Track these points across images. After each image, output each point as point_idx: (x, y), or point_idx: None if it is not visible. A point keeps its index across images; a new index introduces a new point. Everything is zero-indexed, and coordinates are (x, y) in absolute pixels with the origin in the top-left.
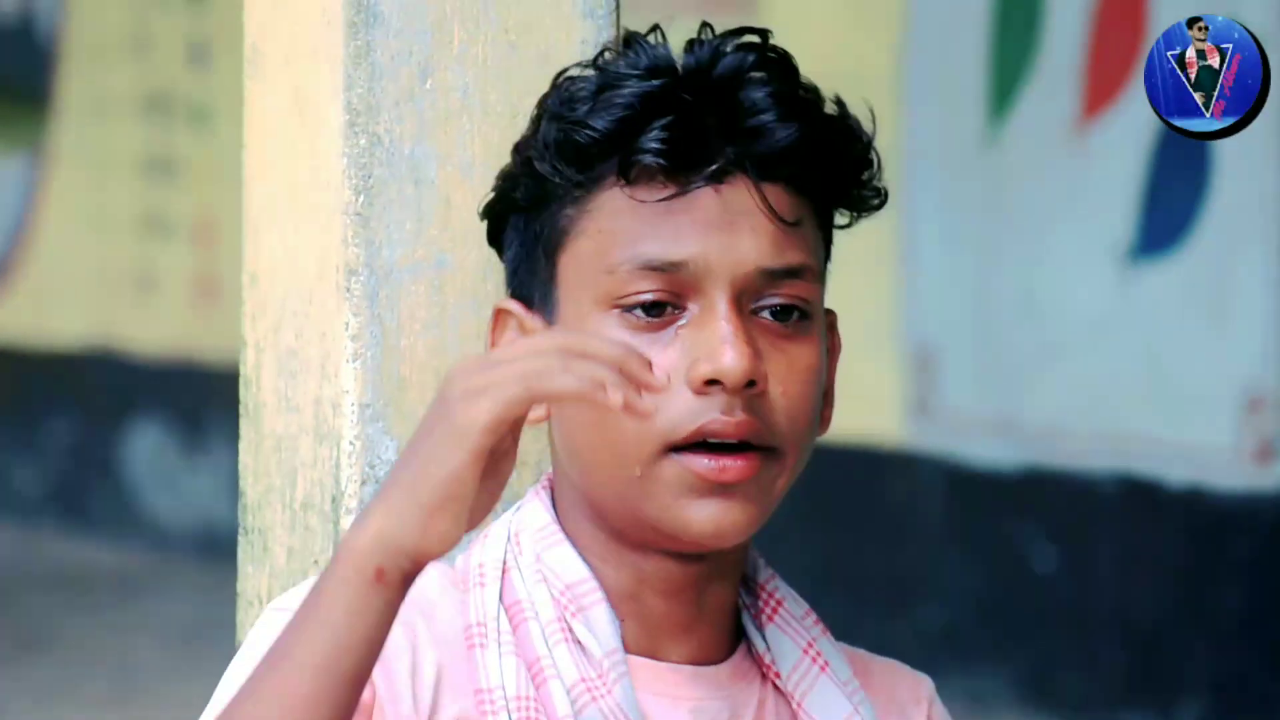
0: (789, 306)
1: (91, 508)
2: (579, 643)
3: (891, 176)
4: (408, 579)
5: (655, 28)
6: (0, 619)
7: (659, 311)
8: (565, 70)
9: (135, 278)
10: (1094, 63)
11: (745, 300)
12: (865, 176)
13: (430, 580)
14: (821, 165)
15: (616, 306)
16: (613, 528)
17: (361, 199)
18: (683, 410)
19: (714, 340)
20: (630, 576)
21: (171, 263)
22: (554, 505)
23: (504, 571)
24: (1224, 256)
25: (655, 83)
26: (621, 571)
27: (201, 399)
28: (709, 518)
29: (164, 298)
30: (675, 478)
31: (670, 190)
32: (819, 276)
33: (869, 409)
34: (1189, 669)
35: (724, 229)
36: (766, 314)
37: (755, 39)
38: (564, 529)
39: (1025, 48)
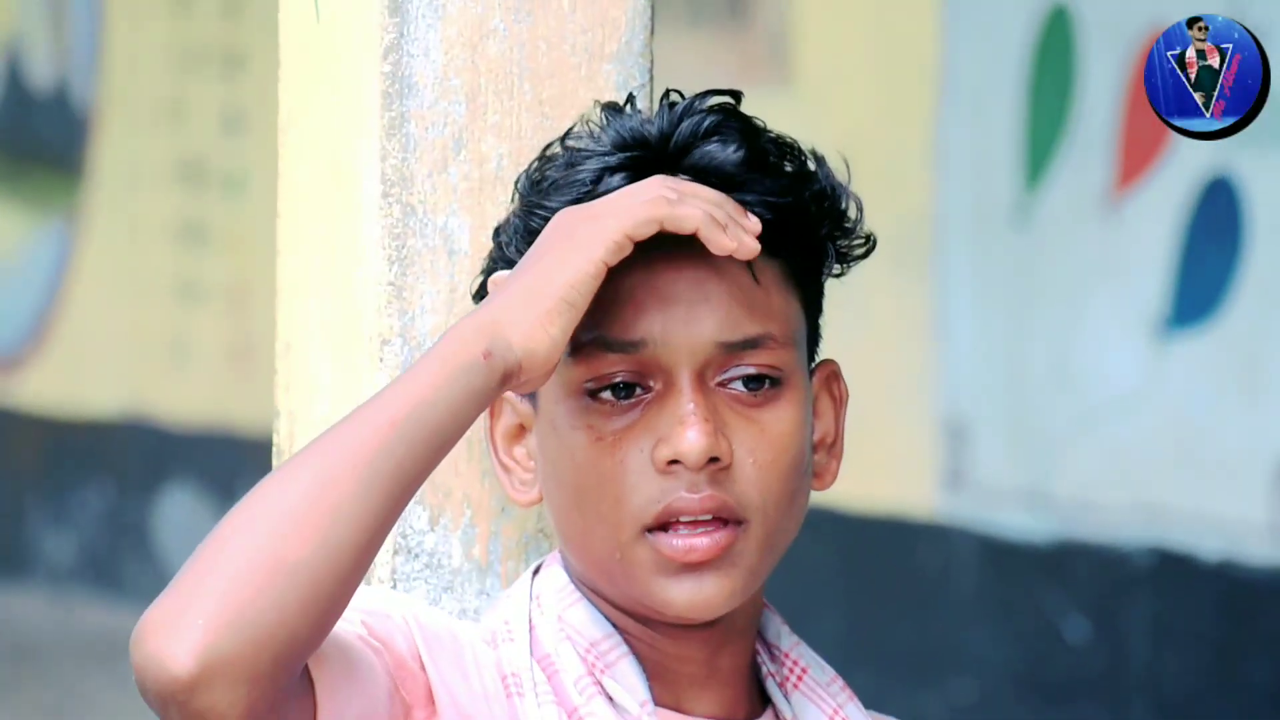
0: (759, 375)
1: (124, 575)
2: (610, 698)
3: (923, 246)
4: (508, 378)
5: (630, 98)
6: (32, 687)
7: (628, 393)
8: (546, 147)
9: (169, 345)
10: (1128, 132)
11: (710, 373)
12: (842, 226)
13: (473, 631)
14: (785, 223)
15: (584, 391)
16: (615, 606)
17: (395, 269)
18: (652, 491)
19: (674, 420)
20: (642, 640)
21: (205, 330)
22: (567, 570)
23: (530, 628)
24: (1257, 328)
25: (613, 158)
26: (633, 634)
27: (234, 467)
28: (686, 595)
29: (197, 365)
30: (650, 559)
31: (628, 266)
32: (789, 340)
33: (901, 479)
34: None
35: (681, 304)
36: (738, 384)
37: (726, 100)
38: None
39: (1059, 117)
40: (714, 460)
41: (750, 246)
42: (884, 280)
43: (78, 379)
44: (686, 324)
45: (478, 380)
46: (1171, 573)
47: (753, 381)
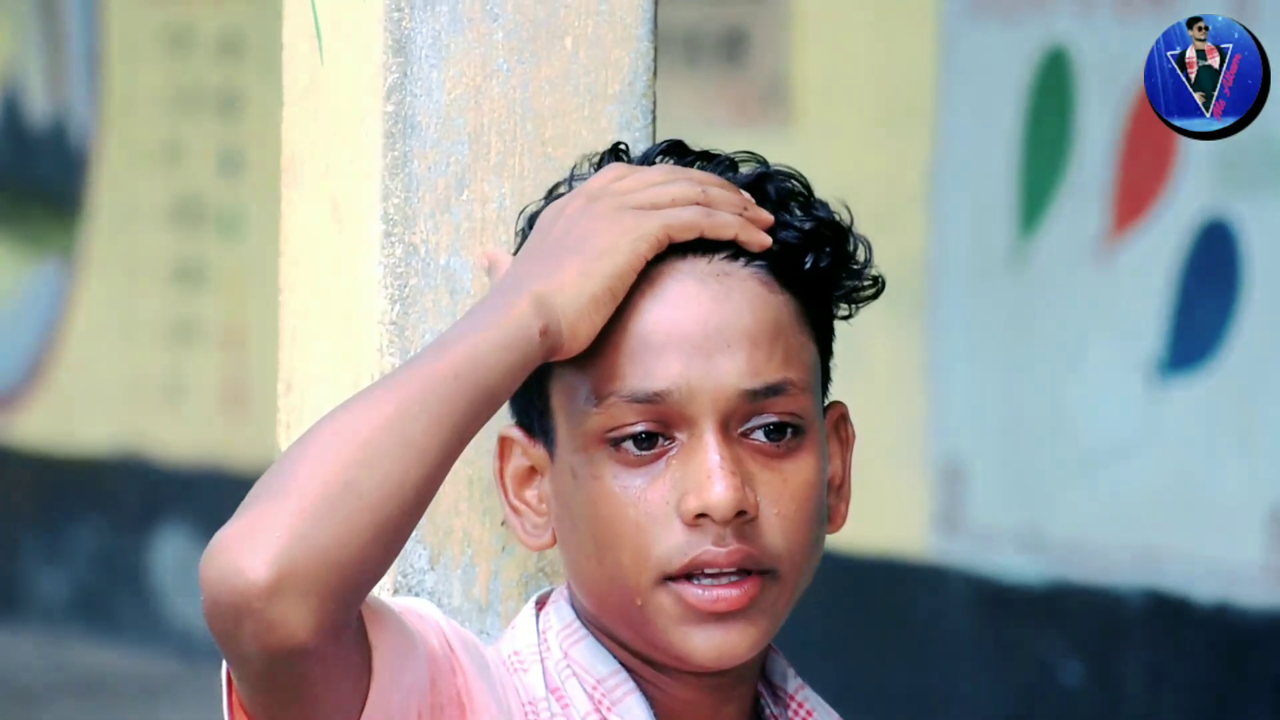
0: (781, 425)
1: (118, 614)
2: None
3: (919, 289)
4: (548, 356)
5: (619, 146)
6: None
7: (650, 443)
8: (553, 188)
9: (164, 384)
10: (1124, 179)
11: (733, 424)
12: (851, 268)
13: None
14: (799, 262)
15: (607, 439)
16: (626, 649)
17: (397, 308)
18: (677, 542)
19: (700, 473)
20: (649, 681)
21: (201, 370)
22: (574, 606)
23: (542, 661)
24: (1253, 373)
25: None
26: (640, 674)
27: (229, 506)
28: (710, 644)
29: (193, 404)
30: (673, 607)
31: (646, 304)
32: (808, 385)
33: (896, 522)
34: None
35: (702, 352)
36: (759, 434)
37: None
38: (586, 624)
39: (1055, 164)
40: (741, 514)
41: (765, 219)
42: (880, 323)
43: (73, 417)
44: (709, 373)
45: (533, 352)
46: (1167, 617)
47: (774, 431)
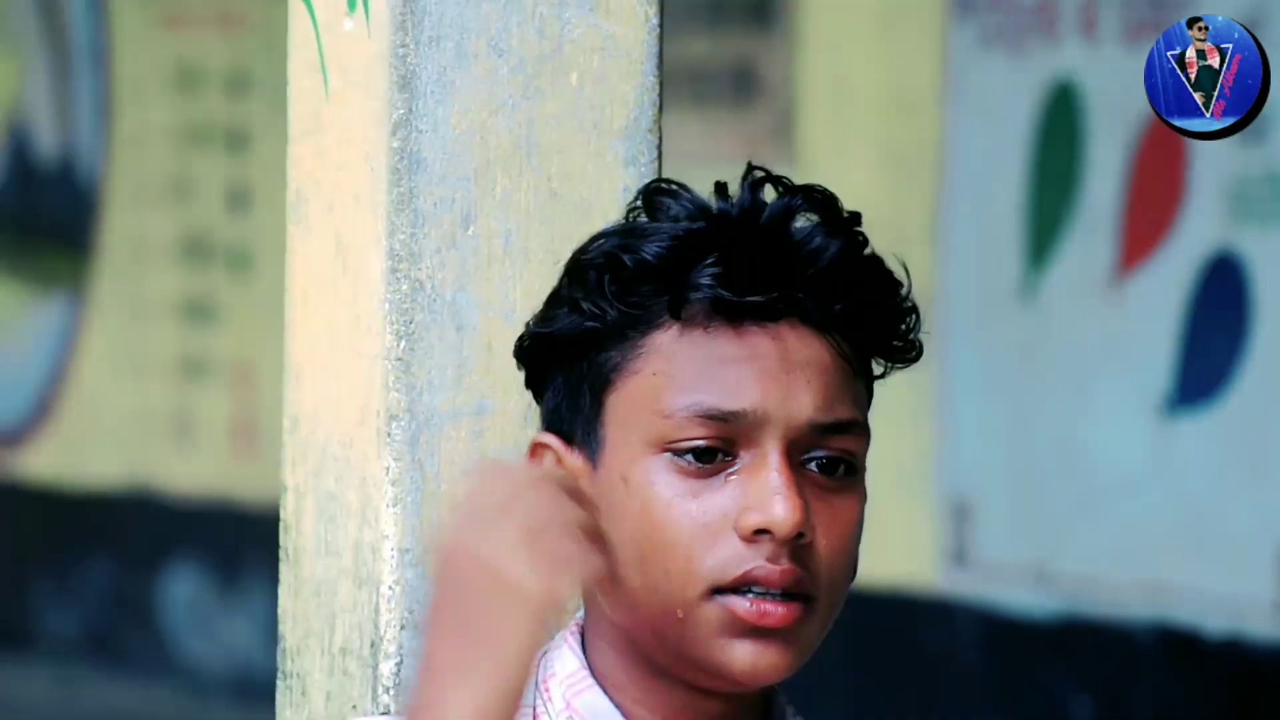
0: (836, 460)
1: (128, 651)
2: None
3: (928, 326)
4: None
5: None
6: None
7: (710, 457)
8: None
9: (173, 421)
10: (1132, 214)
11: (795, 451)
12: (908, 325)
13: None
14: (871, 306)
15: (668, 450)
16: (651, 663)
17: (403, 344)
18: (730, 555)
19: (765, 491)
20: (659, 714)
21: (209, 406)
22: (583, 648)
23: (535, 715)
24: (1262, 408)
25: (701, 223)
26: (652, 710)
27: (238, 542)
28: (748, 658)
29: (201, 441)
30: (716, 618)
31: (724, 331)
32: (865, 432)
33: (905, 557)
34: None
35: (782, 379)
36: (813, 465)
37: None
38: (593, 672)
39: (1064, 199)
40: (799, 535)
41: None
42: None
43: (82, 454)
44: (785, 401)
45: None
46: (1177, 651)
47: (828, 466)
